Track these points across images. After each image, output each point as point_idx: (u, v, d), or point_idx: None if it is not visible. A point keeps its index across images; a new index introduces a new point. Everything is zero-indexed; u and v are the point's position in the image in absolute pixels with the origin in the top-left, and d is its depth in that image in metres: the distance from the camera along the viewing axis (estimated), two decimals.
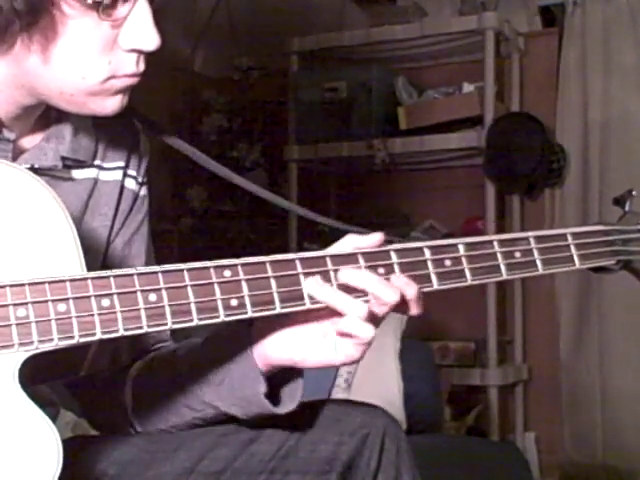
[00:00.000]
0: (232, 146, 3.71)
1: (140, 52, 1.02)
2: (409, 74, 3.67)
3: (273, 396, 1.10)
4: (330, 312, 1.02)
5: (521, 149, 3.31)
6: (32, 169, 1.05)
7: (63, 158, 1.10)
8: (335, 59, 3.70)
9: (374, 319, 1.01)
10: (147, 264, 1.24)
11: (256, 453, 1.12)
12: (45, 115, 1.10)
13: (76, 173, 1.14)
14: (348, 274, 1.01)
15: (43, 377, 0.96)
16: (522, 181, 3.40)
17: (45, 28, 0.96)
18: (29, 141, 1.10)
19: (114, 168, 1.19)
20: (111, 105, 1.04)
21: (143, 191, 1.24)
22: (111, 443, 1.16)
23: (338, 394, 2.44)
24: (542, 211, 3.56)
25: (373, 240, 1.05)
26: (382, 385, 2.50)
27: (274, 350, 1.06)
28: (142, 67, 1.03)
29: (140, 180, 1.23)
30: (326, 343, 1.03)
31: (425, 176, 3.75)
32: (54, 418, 0.89)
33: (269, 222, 3.66)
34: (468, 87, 3.51)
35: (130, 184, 1.21)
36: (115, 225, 1.20)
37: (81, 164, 1.14)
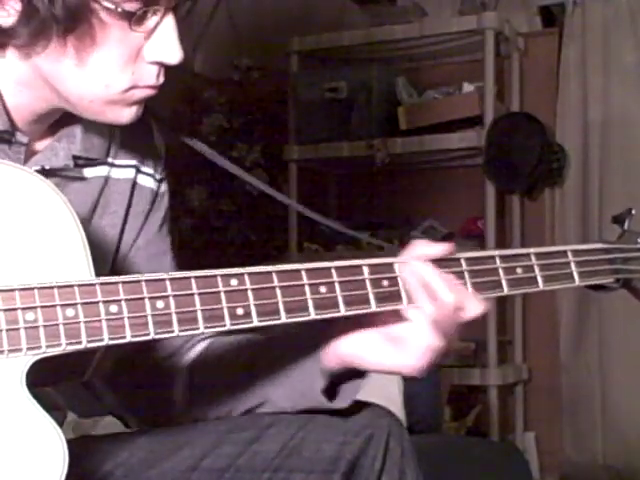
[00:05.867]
0: (232, 146, 3.70)
1: (162, 65, 1.03)
2: (409, 74, 3.68)
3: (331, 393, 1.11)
4: (396, 317, 1.04)
5: (521, 149, 3.31)
6: (43, 170, 1.05)
7: (75, 157, 1.10)
8: (335, 59, 3.70)
9: (439, 326, 1.03)
10: (173, 261, 1.25)
11: (260, 451, 1.12)
12: (58, 118, 1.11)
13: (87, 172, 1.14)
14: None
15: (48, 380, 0.96)
16: (522, 181, 3.40)
17: (82, 34, 0.97)
18: (41, 142, 1.10)
19: (126, 166, 1.19)
20: (127, 115, 1.05)
21: (163, 187, 1.25)
22: (117, 443, 1.16)
23: None
24: (542, 211, 3.57)
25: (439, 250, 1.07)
26: (382, 385, 2.49)
27: (345, 347, 1.08)
28: (162, 80, 1.05)
29: (158, 177, 1.24)
30: (386, 347, 1.05)
31: (425, 176, 3.75)
32: (61, 422, 0.89)
33: (269, 222, 3.65)
34: (468, 87, 3.52)
35: (147, 182, 1.22)
36: (127, 224, 1.20)
37: (93, 162, 1.14)
